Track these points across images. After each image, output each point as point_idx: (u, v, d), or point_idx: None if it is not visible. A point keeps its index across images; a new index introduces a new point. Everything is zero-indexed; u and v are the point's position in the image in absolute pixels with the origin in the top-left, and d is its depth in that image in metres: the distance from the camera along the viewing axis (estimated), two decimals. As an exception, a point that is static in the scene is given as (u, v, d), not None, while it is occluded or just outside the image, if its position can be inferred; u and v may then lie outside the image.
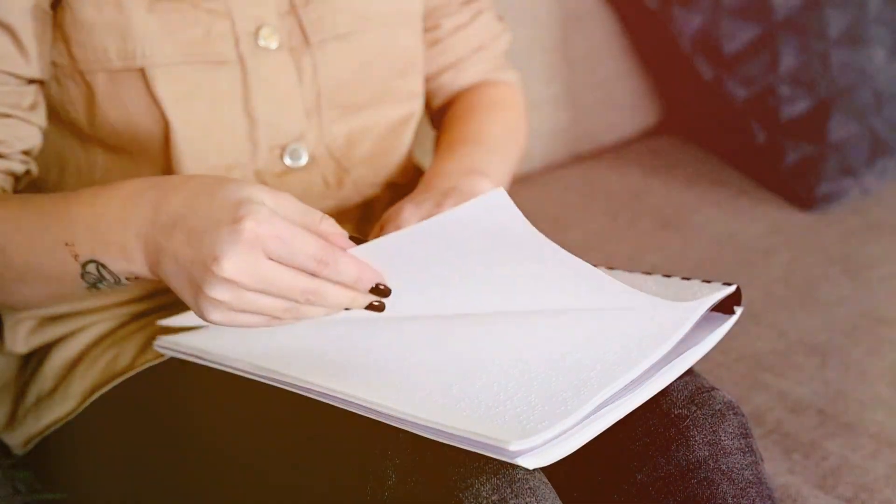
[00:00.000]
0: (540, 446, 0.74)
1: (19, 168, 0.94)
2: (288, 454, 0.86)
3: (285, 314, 0.81)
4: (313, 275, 0.79)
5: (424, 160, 1.20)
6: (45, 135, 0.97)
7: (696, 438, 0.86)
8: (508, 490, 0.77)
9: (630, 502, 0.87)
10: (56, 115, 0.97)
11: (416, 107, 1.10)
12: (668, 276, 0.92)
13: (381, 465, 0.80)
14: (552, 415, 0.75)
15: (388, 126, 1.07)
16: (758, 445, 0.88)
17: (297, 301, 0.80)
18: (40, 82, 0.94)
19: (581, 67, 1.67)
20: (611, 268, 0.96)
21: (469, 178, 0.98)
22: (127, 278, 0.85)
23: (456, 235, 0.81)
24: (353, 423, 0.82)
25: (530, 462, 0.74)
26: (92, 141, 0.98)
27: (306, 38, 1.00)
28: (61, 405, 1.00)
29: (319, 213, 0.80)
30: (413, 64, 1.09)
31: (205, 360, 0.90)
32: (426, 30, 1.13)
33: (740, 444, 0.86)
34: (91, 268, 0.85)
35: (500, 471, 0.78)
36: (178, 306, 1.02)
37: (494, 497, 0.77)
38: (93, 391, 0.99)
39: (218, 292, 0.78)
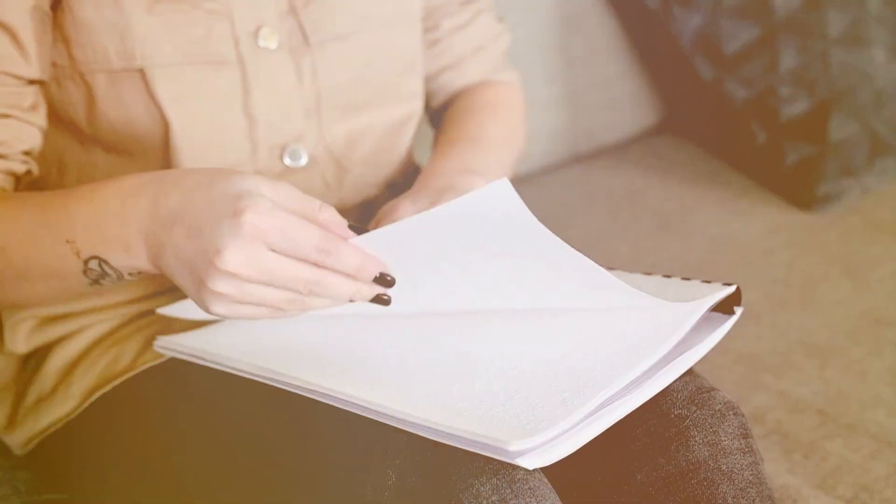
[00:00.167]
0: (540, 446, 0.74)
1: (20, 168, 0.94)
2: (288, 454, 0.86)
3: (289, 306, 0.81)
4: (316, 265, 0.79)
5: (424, 160, 1.20)
6: (45, 135, 0.97)
7: (696, 439, 0.86)
8: (508, 490, 0.77)
9: (630, 502, 0.87)
10: (56, 116, 0.97)
11: (416, 107, 1.10)
12: (668, 276, 0.92)
13: (381, 465, 0.80)
14: (552, 415, 0.75)
15: (387, 126, 1.07)
16: (758, 446, 0.88)
17: (300, 292, 0.80)
18: (40, 83, 0.94)
19: (581, 67, 1.67)
20: (610, 268, 0.96)
21: (465, 178, 0.98)
22: (130, 273, 0.85)
23: (458, 226, 0.81)
24: (354, 423, 0.82)
25: (530, 462, 0.74)
26: (92, 141, 0.98)
27: (306, 39, 1.00)
28: (61, 405, 1.00)
29: (318, 202, 0.80)
30: (413, 64, 1.09)
31: (205, 360, 0.90)
32: (426, 30, 1.13)
33: (740, 444, 0.86)
34: (93, 264, 0.85)
35: (500, 471, 0.78)
36: (178, 306, 1.02)
37: (494, 497, 0.77)
38: (93, 391, 0.99)
39: (220, 285, 0.78)
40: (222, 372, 0.89)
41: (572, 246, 0.80)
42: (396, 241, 0.81)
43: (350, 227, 0.81)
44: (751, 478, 0.86)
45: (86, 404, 0.99)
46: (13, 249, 0.88)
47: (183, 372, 0.93)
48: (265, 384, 0.86)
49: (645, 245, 1.49)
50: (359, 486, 0.81)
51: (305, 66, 1.00)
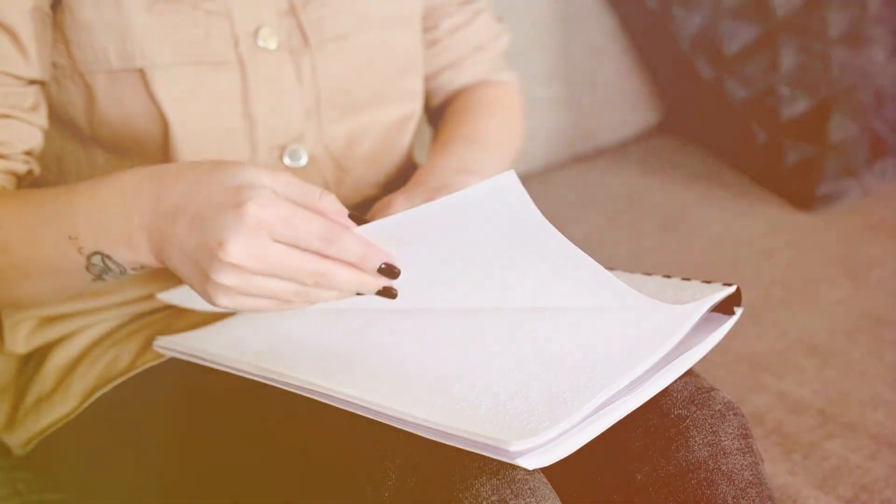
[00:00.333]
0: (540, 447, 0.74)
1: (21, 168, 0.94)
2: (288, 454, 0.86)
3: (295, 298, 0.80)
4: (320, 255, 0.79)
5: (424, 159, 1.20)
6: (45, 135, 0.97)
7: (696, 439, 0.86)
8: (508, 490, 0.77)
9: (630, 502, 0.87)
10: (56, 116, 0.97)
11: (416, 107, 1.10)
12: (668, 276, 0.92)
13: (381, 465, 0.80)
14: (553, 415, 0.75)
15: (387, 126, 1.07)
16: (758, 446, 0.88)
17: (305, 283, 0.80)
18: (41, 83, 0.94)
19: (581, 67, 1.67)
20: (610, 268, 0.96)
21: (461, 177, 0.98)
22: (133, 268, 0.85)
23: (462, 218, 0.80)
24: (354, 423, 0.82)
25: (530, 462, 0.74)
26: (91, 141, 0.98)
27: (305, 39, 1.00)
28: (61, 405, 1.00)
29: (318, 190, 0.80)
30: (412, 64, 1.09)
31: (205, 360, 0.90)
32: (425, 30, 1.13)
33: (740, 444, 0.86)
34: (96, 259, 0.85)
35: (500, 471, 0.78)
36: (179, 308, 1.02)
37: (494, 497, 0.77)
38: (93, 391, 0.99)
39: (225, 277, 0.78)
40: (222, 372, 0.89)
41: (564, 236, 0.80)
42: (399, 231, 0.81)
43: (350, 215, 0.81)
44: (751, 478, 0.86)
45: (86, 404, 0.99)
46: (15, 247, 0.88)
47: (183, 372, 0.93)
48: (265, 384, 0.86)
49: (645, 245, 1.50)
50: (359, 486, 0.81)
51: (305, 66, 1.00)
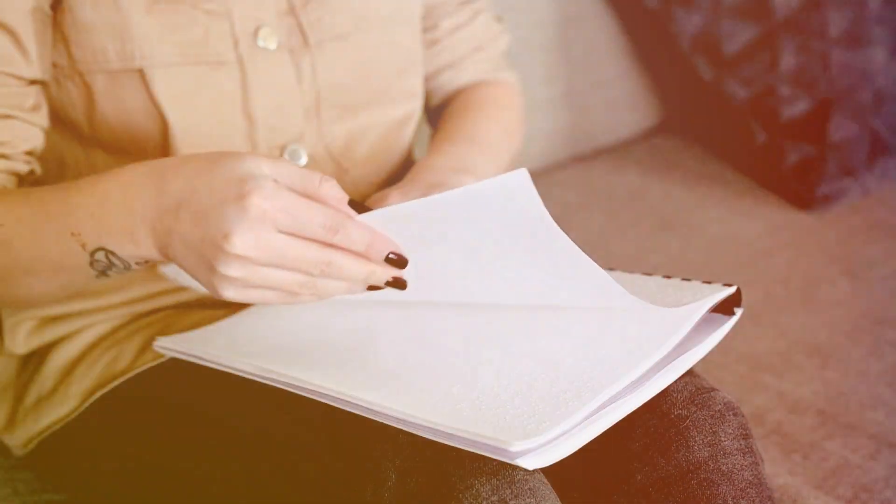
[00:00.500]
0: (540, 447, 0.74)
1: (23, 168, 0.94)
2: (288, 454, 0.86)
3: (303, 289, 0.80)
4: (325, 245, 0.79)
5: (423, 159, 1.20)
6: (45, 135, 0.97)
7: (696, 439, 0.86)
8: (508, 491, 0.77)
9: (630, 503, 0.87)
10: (56, 116, 0.97)
11: (416, 107, 1.10)
12: (668, 277, 0.92)
13: (381, 465, 0.80)
14: (553, 415, 0.75)
15: (387, 126, 1.07)
16: (758, 446, 0.88)
17: (311, 273, 0.80)
18: (42, 83, 0.94)
19: (581, 67, 1.67)
20: (610, 268, 0.96)
21: (457, 176, 0.98)
22: (137, 263, 0.85)
23: (469, 213, 0.80)
24: (354, 423, 0.82)
25: (530, 463, 0.74)
26: (91, 141, 0.98)
27: (305, 39, 1.00)
28: (61, 406, 1.00)
29: (318, 175, 0.80)
30: (412, 64, 1.09)
31: (204, 360, 0.89)
32: (424, 30, 1.13)
33: (740, 444, 0.86)
34: (100, 255, 0.85)
35: (500, 471, 0.78)
36: (179, 308, 1.02)
37: (494, 498, 0.77)
38: (93, 392, 0.99)
39: (231, 269, 0.78)
40: (222, 372, 0.88)
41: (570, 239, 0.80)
42: (405, 221, 0.81)
43: (350, 202, 0.81)
44: (751, 478, 0.86)
45: (86, 404, 0.99)
46: (18, 245, 0.88)
47: (183, 372, 0.93)
48: (265, 384, 0.86)
49: (645, 245, 1.50)
50: (359, 486, 0.81)
51: (305, 66, 1.00)
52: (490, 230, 0.81)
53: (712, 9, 1.60)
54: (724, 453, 0.86)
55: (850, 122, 1.56)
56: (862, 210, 1.55)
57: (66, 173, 1.00)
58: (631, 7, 1.68)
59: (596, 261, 0.82)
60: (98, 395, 0.98)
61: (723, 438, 0.86)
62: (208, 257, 0.78)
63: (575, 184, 1.63)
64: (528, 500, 0.77)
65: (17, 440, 1.04)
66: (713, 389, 0.88)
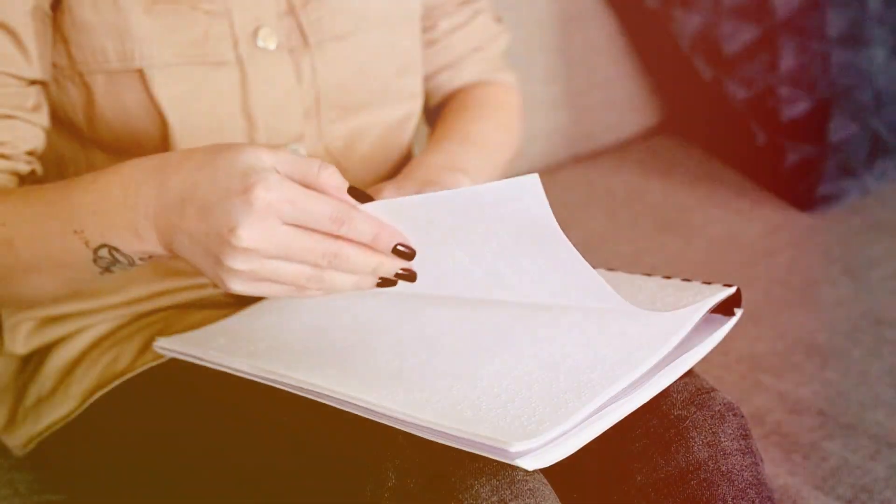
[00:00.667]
0: (540, 447, 0.74)
1: (24, 168, 0.94)
2: (287, 455, 0.86)
3: (310, 283, 0.80)
4: (332, 236, 0.79)
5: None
6: (46, 135, 0.97)
7: (696, 440, 0.86)
8: (508, 491, 0.77)
9: (629, 503, 0.87)
10: (55, 117, 0.97)
11: (415, 107, 1.10)
12: (668, 277, 0.92)
13: (380, 465, 0.80)
14: (553, 416, 0.75)
15: (387, 126, 1.07)
16: (758, 446, 0.88)
17: (319, 265, 0.79)
18: (42, 83, 0.94)
19: (581, 67, 1.67)
20: (611, 269, 0.96)
21: (451, 174, 0.97)
22: (141, 258, 0.85)
23: (476, 212, 0.80)
24: (353, 424, 0.82)
25: (530, 463, 0.74)
26: (91, 141, 0.98)
27: (305, 39, 1.00)
28: (61, 406, 1.00)
29: (317, 163, 0.79)
30: (412, 64, 1.09)
31: (204, 361, 0.90)
32: (424, 29, 1.13)
33: (740, 445, 0.86)
34: (103, 252, 0.85)
35: (500, 472, 0.78)
36: (179, 308, 1.02)
37: (494, 498, 0.77)
38: (93, 392, 0.99)
39: (238, 262, 0.78)
40: (222, 372, 0.89)
41: (574, 247, 0.80)
42: (412, 215, 0.81)
43: (350, 190, 0.81)
44: (750, 479, 0.86)
45: (85, 405, 0.99)
46: (20, 244, 0.88)
47: (183, 372, 0.93)
48: (265, 385, 0.86)
49: (645, 245, 1.49)
50: (358, 487, 0.81)
51: (304, 66, 1.00)
52: (496, 231, 0.81)
53: (712, 9, 1.60)
54: (724, 454, 0.86)
55: (850, 123, 1.56)
56: (862, 210, 1.55)
57: (65, 173, 1.00)
58: (631, 7, 1.68)
59: (596, 261, 0.82)
60: (98, 395, 0.98)
61: (723, 439, 0.86)
62: (214, 251, 0.78)
63: (575, 184, 1.63)
64: (527, 501, 0.77)
65: (18, 440, 1.04)
66: (713, 390, 0.88)
